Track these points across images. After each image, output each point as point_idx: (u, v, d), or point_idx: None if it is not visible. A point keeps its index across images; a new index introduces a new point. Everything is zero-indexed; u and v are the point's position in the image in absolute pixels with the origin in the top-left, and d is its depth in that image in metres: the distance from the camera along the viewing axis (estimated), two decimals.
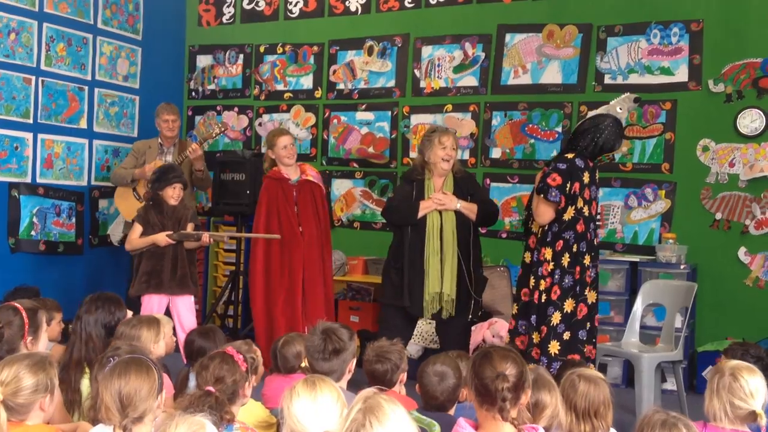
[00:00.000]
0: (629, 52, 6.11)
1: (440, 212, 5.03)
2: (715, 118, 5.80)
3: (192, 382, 2.99)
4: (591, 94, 6.22)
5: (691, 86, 5.91)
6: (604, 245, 6.07)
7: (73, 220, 6.79)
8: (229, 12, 7.77)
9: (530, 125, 6.42)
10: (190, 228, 5.30)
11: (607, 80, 6.18)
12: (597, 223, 4.48)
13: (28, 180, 6.45)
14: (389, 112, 6.97)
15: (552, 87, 6.37)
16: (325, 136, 7.25)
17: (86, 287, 6.81)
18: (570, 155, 4.30)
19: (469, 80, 6.68)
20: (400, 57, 6.97)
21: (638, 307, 5.06)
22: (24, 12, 6.37)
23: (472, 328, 5.44)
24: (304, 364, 3.34)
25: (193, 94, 7.92)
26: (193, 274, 5.32)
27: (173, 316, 5.12)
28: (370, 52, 7.09)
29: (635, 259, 5.80)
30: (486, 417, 2.34)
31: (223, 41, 7.78)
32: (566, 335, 4.18)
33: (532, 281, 4.30)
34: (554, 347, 4.13)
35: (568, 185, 4.21)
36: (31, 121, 6.47)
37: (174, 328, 4.59)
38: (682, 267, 5.57)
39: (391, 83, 7.00)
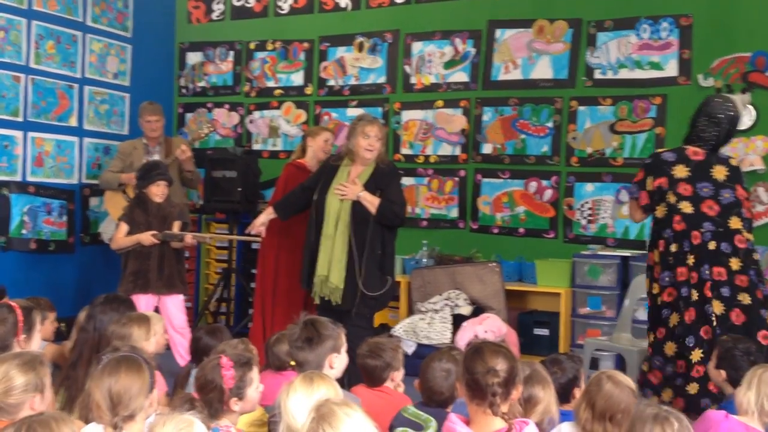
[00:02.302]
0: (619, 47, 6.12)
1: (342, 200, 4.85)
2: None
3: (192, 380, 2.98)
4: (581, 89, 6.23)
5: (680, 81, 5.92)
6: (596, 240, 6.11)
7: (64, 218, 6.77)
8: (219, 9, 7.75)
9: (521, 120, 6.43)
10: (176, 226, 5.26)
11: (597, 75, 6.19)
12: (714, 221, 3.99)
13: (19, 178, 6.43)
14: (380, 109, 6.97)
15: (542, 82, 6.37)
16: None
17: (77, 286, 6.80)
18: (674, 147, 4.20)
19: (460, 76, 6.68)
20: (390, 53, 6.97)
21: (630, 301, 5.08)
22: (13, 10, 6.35)
23: (463, 324, 5.45)
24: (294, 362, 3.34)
25: (184, 91, 7.90)
26: (180, 273, 5.29)
27: (163, 315, 5.09)
28: (360, 48, 7.09)
29: (626, 253, 5.81)
30: (476, 412, 2.34)
31: (213, 38, 7.77)
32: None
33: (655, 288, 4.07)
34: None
35: (649, 180, 4.10)
36: (21, 119, 6.45)
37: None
38: None
39: (382, 79, 7.00)
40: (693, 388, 3.80)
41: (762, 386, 2.80)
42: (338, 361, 3.11)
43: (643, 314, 5.50)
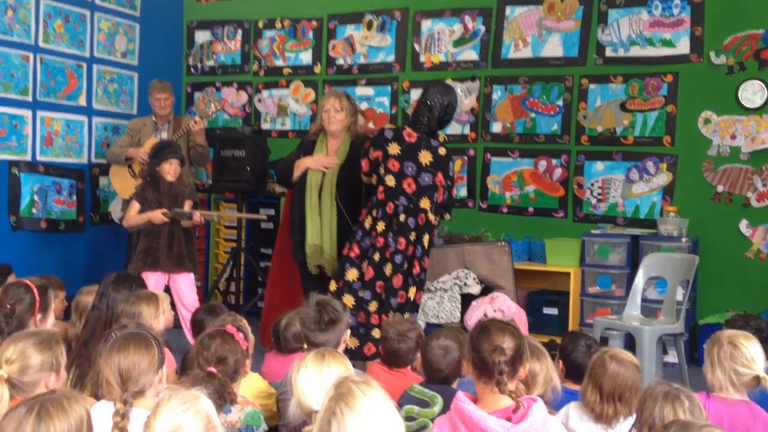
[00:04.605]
0: (630, 24, 6.06)
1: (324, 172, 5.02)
2: (717, 91, 5.77)
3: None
4: (592, 67, 6.18)
5: (692, 58, 5.86)
6: (606, 219, 6.09)
7: (74, 197, 6.79)
8: None
9: (531, 99, 6.39)
10: (188, 205, 5.28)
11: (609, 53, 6.13)
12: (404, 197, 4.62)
13: (28, 158, 6.44)
14: (389, 87, 6.94)
15: (553, 60, 6.32)
16: None
17: (87, 265, 6.83)
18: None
19: (470, 54, 6.64)
20: (399, 31, 6.92)
21: (639, 280, 5.06)
22: None
23: (473, 303, 5.45)
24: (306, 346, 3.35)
25: (192, 70, 7.88)
26: (191, 252, 5.30)
27: (173, 293, 5.12)
28: (369, 26, 7.04)
29: (636, 232, 5.79)
30: (484, 390, 2.34)
31: (221, 17, 7.73)
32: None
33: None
34: None
35: (371, 150, 4.71)
36: (30, 98, 6.45)
37: (174, 305, 4.63)
38: (683, 240, 5.56)
39: (391, 58, 6.96)
40: (377, 333, 4.32)
41: (724, 363, 2.86)
42: (347, 337, 3.16)
43: (653, 293, 5.51)
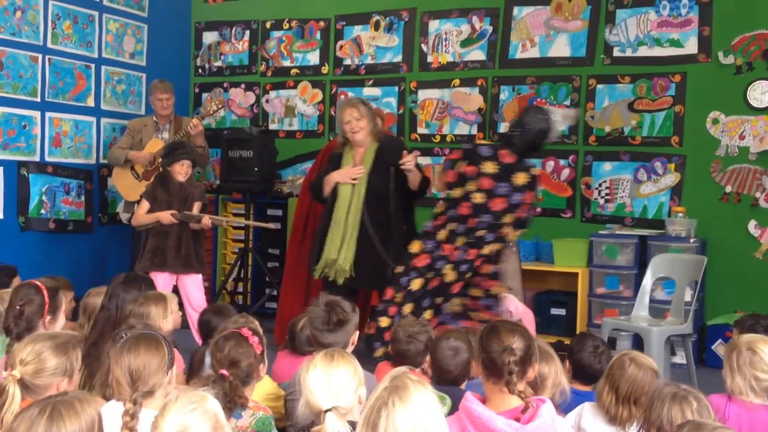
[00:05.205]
0: (638, 24, 6.05)
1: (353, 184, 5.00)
2: (725, 91, 5.75)
3: (209, 360, 3.00)
4: (600, 67, 6.17)
5: (700, 58, 5.85)
6: (613, 219, 6.07)
7: (83, 198, 6.81)
8: None
9: (538, 99, 6.38)
10: (197, 207, 5.28)
11: (616, 53, 6.12)
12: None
13: (37, 159, 6.46)
14: (396, 88, 6.94)
15: (560, 60, 6.32)
16: (333, 113, 7.22)
17: (96, 265, 6.85)
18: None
19: (477, 54, 6.64)
20: (406, 31, 6.92)
21: (648, 281, 5.05)
22: None
23: None
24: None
25: (200, 71, 7.90)
26: (198, 253, 5.31)
27: (181, 294, 5.13)
28: (376, 26, 7.05)
29: (645, 233, 5.78)
30: (493, 390, 2.35)
31: (229, 17, 7.74)
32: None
33: None
34: None
35: (461, 164, 4.67)
36: (38, 99, 6.47)
37: (182, 306, 4.64)
38: (691, 240, 5.55)
39: (398, 58, 6.96)
40: None
41: (744, 369, 2.85)
42: (355, 338, 3.16)
43: (661, 294, 5.49)
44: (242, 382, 2.67)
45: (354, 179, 4.95)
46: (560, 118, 4.59)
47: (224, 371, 2.63)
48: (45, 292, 3.37)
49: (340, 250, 4.86)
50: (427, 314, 4.51)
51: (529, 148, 4.67)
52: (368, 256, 4.86)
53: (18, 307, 3.28)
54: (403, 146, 5.23)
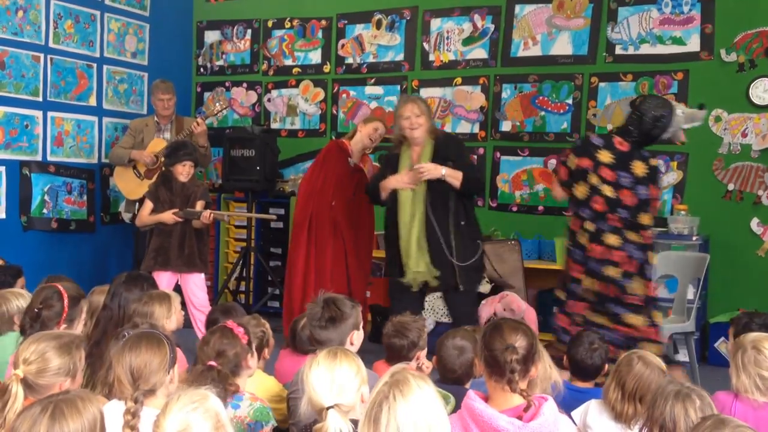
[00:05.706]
0: (640, 22, 6.04)
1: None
2: (728, 88, 5.75)
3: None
4: (602, 65, 6.17)
5: (703, 56, 5.84)
6: None
7: (85, 197, 6.81)
8: None
9: (540, 97, 6.38)
10: (200, 206, 5.29)
11: (618, 51, 6.12)
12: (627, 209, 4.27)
13: (39, 158, 6.46)
14: (398, 86, 6.94)
15: (562, 58, 6.31)
16: (335, 111, 7.22)
17: (98, 265, 6.86)
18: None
19: (479, 53, 6.63)
20: (408, 30, 6.92)
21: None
22: None
23: (483, 301, 5.44)
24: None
25: (202, 70, 7.90)
26: (201, 252, 5.31)
27: (184, 293, 5.13)
28: (378, 25, 7.04)
29: None
30: (495, 388, 2.35)
31: (230, 16, 7.74)
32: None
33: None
34: None
35: (572, 158, 4.38)
36: (40, 99, 6.47)
37: (184, 305, 4.64)
38: (694, 238, 5.54)
39: (400, 57, 6.96)
40: None
41: (749, 368, 2.85)
42: (357, 338, 3.12)
43: (664, 292, 5.49)
44: (231, 372, 2.69)
45: (413, 186, 4.76)
46: (682, 114, 4.36)
47: (212, 362, 2.64)
48: (66, 301, 3.32)
49: (410, 254, 4.76)
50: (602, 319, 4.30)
51: (645, 137, 4.35)
52: (437, 257, 4.77)
53: (36, 309, 3.26)
54: (461, 143, 5.10)
